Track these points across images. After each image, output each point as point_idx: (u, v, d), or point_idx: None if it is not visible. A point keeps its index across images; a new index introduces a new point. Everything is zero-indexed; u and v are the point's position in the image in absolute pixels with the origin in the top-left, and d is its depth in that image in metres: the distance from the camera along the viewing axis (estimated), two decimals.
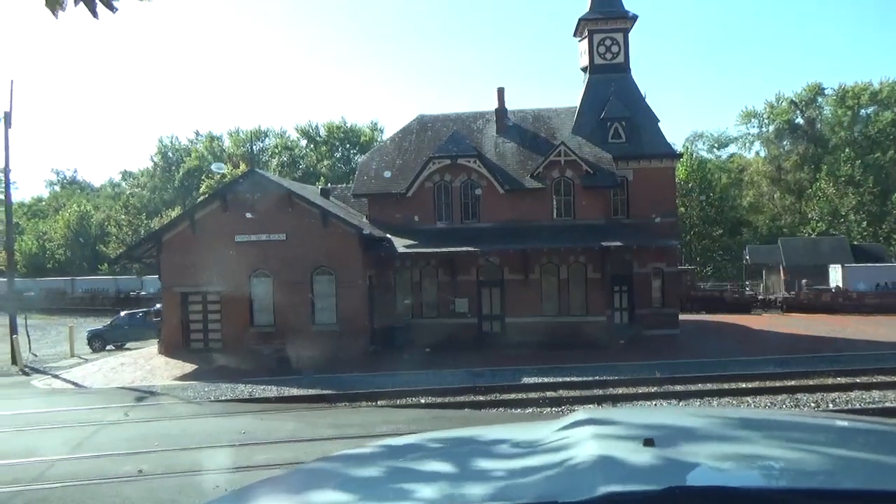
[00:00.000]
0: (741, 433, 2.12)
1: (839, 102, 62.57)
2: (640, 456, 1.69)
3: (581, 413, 2.34)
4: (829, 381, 16.20)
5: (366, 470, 2.07)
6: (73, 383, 20.91)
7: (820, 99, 65.18)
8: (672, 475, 1.61)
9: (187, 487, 8.92)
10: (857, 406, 13.88)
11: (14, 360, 25.16)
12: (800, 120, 66.15)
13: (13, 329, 26.15)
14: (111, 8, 3.96)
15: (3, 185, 30.28)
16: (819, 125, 65.16)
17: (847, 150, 56.72)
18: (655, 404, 14.64)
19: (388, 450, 2.31)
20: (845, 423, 2.47)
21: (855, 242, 45.80)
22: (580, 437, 1.91)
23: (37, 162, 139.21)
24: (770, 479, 1.70)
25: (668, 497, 1.38)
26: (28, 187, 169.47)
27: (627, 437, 1.91)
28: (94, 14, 3.91)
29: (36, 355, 28.02)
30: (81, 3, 3.96)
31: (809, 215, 55.14)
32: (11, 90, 27.43)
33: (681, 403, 14.80)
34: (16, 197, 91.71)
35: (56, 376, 22.41)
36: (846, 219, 52.08)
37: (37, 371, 24.02)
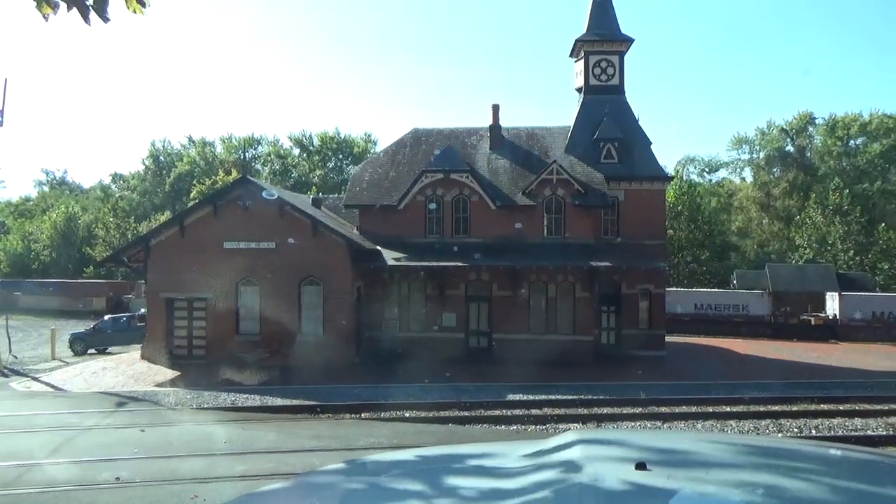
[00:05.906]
0: (733, 458, 2.09)
1: (829, 132, 63.37)
2: (631, 480, 1.66)
3: (572, 434, 2.32)
4: (813, 407, 16.30)
5: (354, 485, 2.02)
6: (53, 386, 20.60)
7: (811, 128, 65.97)
8: (663, 501, 1.59)
9: (166, 497, 8.77)
10: (840, 433, 13.94)
11: None
12: (790, 148, 66.85)
13: None
14: (104, 18, 3.92)
15: None
16: (809, 154, 65.90)
17: (836, 179, 57.30)
18: (640, 426, 14.62)
19: (377, 465, 2.27)
20: (837, 452, 2.45)
21: (841, 271, 46.06)
22: (571, 458, 1.88)
23: (26, 161, 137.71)
24: None
25: None
26: (17, 186, 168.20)
27: (619, 459, 1.88)
28: (87, 21, 3.88)
29: (16, 357, 27.63)
30: (75, 10, 3.93)
31: (797, 242, 55.49)
32: (4, 89, 27.25)
33: (665, 426, 14.79)
34: (3, 195, 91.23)
35: (35, 379, 22.08)
36: (833, 247, 52.48)
37: (16, 373, 23.68)
